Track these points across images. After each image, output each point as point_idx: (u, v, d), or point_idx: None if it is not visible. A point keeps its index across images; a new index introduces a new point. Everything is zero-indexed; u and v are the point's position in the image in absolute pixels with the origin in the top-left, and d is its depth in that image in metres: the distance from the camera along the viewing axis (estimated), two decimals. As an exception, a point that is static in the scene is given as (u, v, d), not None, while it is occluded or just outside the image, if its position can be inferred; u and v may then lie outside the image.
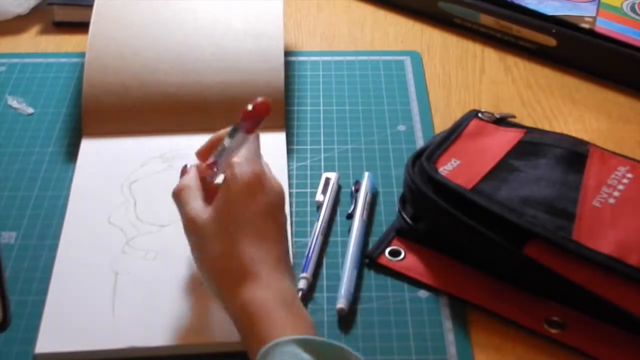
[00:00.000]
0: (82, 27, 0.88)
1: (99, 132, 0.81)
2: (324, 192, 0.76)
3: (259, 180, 0.62)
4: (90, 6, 0.88)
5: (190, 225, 0.62)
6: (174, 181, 0.76)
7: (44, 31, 1.01)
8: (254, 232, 0.60)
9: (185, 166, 0.67)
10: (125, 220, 0.73)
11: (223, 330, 0.63)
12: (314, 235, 0.72)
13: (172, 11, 0.88)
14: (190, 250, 0.63)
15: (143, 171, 0.78)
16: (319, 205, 0.75)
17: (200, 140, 0.80)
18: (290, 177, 0.78)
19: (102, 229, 0.72)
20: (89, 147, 0.80)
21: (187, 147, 0.80)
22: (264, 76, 0.83)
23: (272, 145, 0.81)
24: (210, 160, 0.65)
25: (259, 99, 0.61)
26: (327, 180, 0.77)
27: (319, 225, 0.72)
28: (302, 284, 0.68)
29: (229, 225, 0.60)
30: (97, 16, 0.87)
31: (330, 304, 0.67)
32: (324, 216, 0.73)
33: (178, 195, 0.64)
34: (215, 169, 0.65)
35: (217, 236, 0.60)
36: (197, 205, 0.62)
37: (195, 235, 0.62)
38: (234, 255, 0.59)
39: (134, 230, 0.72)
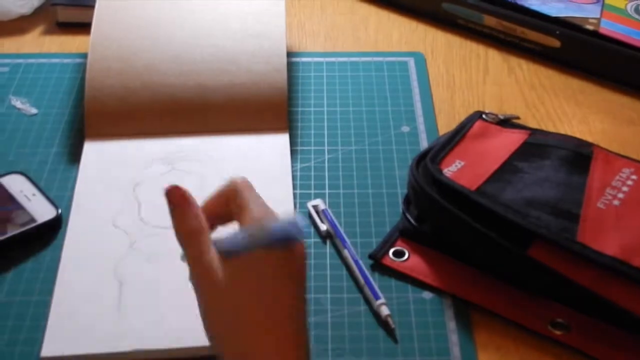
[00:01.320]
0: (85, 27, 0.88)
1: (102, 134, 0.81)
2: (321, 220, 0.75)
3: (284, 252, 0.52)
4: (94, 7, 0.88)
5: (204, 279, 0.53)
6: (177, 183, 0.76)
7: (48, 31, 1.01)
8: (265, 312, 0.51)
9: (178, 189, 0.56)
10: (129, 223, 0.73)
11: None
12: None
13: (174, 12, 0.88)
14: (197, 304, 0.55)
15: (146, 173, 0.78)
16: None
17: (203, 141, 0.81)
18: (294, 178, 0.78)
19: (106, 232, 0.72)
20: (91, 149, 0.80)
21: (190, 149, 0.80)
22: (266, 77, 0.83)
23: (275, 147, 0.81)
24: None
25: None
26: (315, 208, 0.75)
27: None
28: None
29: (242, 297, 0.52)
30: (98, 19, 0.86)
31: (333, 304, 0.67)
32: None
33: (191, 238, 0.54)
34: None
35: (226, 304, 0.52)
36: (214, 259, 0.53)
37: (205, 291, 0.53)
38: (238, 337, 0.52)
39: (138, 232, 0.72)
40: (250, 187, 0.55)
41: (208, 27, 0.87)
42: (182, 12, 0.88)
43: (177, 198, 0.56)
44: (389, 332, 0.65)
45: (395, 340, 0.65)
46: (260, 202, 0.54)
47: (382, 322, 0.66)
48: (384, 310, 0.66)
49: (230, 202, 0.55)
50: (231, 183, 0.55)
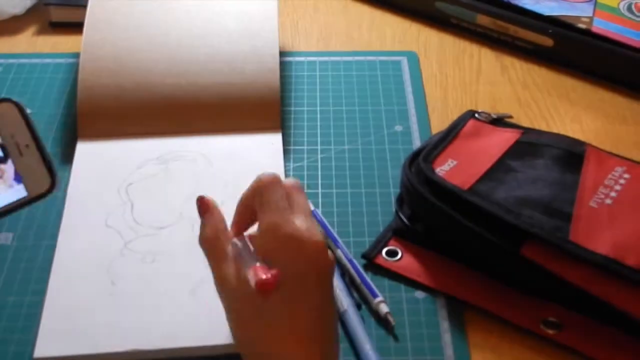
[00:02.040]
0: (78, 27, 0.88)
1: (95, 134, 0.81)
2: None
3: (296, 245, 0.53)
4: (86, 6, 0.88)
5: (220, 285, 0.56)
6: (170, 183, 0.76)
7: (41, 31, 1.00)
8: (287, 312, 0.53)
9: (202, 199, 0.58)
10: (122, 223, 0.73)
11: (222, 333, 0.63)
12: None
13: (167, 12, 0.88)
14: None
15: (139, 173, 0.78)
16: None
17: (196, 141, 0.81)
18: (287, 177, 0.78)
19: (99, 232, 0.72)
20: (84, 149, 0.80)
21: (183, 149, 0.80)
22: (259, 77, 0.83)
23: (268, 146, 0.81)
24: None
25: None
26: None
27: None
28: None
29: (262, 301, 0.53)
30: (91, 18, 0.86)
31: (327, 304, 0.67)
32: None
33: (210, 243, 0.56)
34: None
35: (243, 310, 0.54)
36: (231, 265, 0.55)
37: (224, 296, 0.56)
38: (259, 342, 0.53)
39: (131, 232, 0.72)
40: (273, 184, 0.56)
41: (201, 26, 0.86)
42: (175, 12, 0.88)
43: (201, 207, 0.58)
44: (389, 329, 0.65)
45: (396, 338, 0.65)
46: (274, 205, 0.55)
47: (382, 320, 0.66)
48: (384, 308, 0.66)
49: (255, 198, 0.56)
50: (258, 178, 0.57)
